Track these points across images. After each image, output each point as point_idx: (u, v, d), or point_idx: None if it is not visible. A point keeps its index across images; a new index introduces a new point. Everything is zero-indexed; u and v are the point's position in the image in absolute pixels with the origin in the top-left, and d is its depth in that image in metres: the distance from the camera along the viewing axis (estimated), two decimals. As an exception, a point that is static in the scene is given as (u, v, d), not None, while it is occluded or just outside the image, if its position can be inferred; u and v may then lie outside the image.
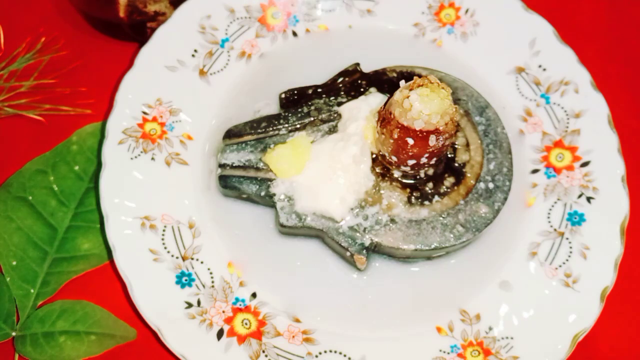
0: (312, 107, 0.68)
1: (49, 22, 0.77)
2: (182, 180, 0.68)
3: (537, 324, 0.63)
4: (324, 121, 0.67)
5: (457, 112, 0.59)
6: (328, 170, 0.64)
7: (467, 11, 0.75)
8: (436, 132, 0.57)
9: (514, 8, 0.74)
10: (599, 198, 0.68)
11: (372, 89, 0.69)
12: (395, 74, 0.70)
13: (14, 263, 0.67)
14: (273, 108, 0.71)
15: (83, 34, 0.77)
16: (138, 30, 0.75)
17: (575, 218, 0.67)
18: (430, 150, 0.59)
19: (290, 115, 0.68)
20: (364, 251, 0.63)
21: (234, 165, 0.66)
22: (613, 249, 0.65)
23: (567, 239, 0.67)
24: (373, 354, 0.63)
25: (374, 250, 0.65)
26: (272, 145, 0.67)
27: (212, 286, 0.64)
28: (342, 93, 0.69)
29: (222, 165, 0.66)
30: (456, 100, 0.68)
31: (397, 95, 0.58)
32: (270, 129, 0.67)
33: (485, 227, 0.65)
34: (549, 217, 0.68)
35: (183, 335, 0.61)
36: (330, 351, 0.63)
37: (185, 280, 0.64)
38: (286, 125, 0.67)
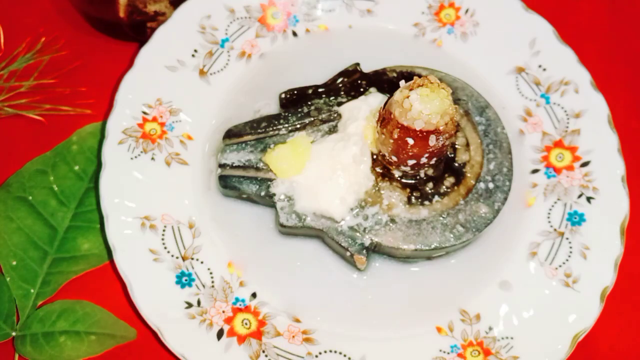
0: (312, 107, 0.68)
1: (49, 22, 0.77)
2: (182, 180, 0.68)
3: (537, 324, 0.63)
4: (324, 121, 0.67)
5: (457, 112, 0.59)
6: (328, 170, 0.64)
7: (467, 11, 0.75)
8: (436, 132, 0.57)
9: (514, 8, 0.74)
10: (599, 198, 0.68)
11: (372, 89, 0.69)
12: (395, 74, 0.70)
13: (14, 263, 0.67)
14: (273, 108, 0.71)
15: (83, 34, 0.77)
16: (138, 30, 0.75)
17: (575, 218, 0.67)
18: (430, 150, 0.59)
19: (290, 115, 0.68)
20: (364, 251, 0.63)
21: (234, 165, 0.66)
22: (613, 249, 0.65)
23: (567, 239, 0.67)
24: (373, 354, 0.63)
25: (374, 250, 0.65)
26: (272, 145, 0.67)
27: (212, 286, 0.64)
28: (342, 93, 0.69)
29: (222, 165, 0.66)
30: (456, 100, 0.68)
31: (397, 95, 0.58)
32: (270, 129, 0.67)
33: (485, 227, 0.65)
34: (549, 217, 0.68)
35: (183, 335, 0.61)
36: (330, 351, 0.63)
37: (185, 280, 0.64)
38: (286, 125, 0.67)
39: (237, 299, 0.64)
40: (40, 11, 0.78)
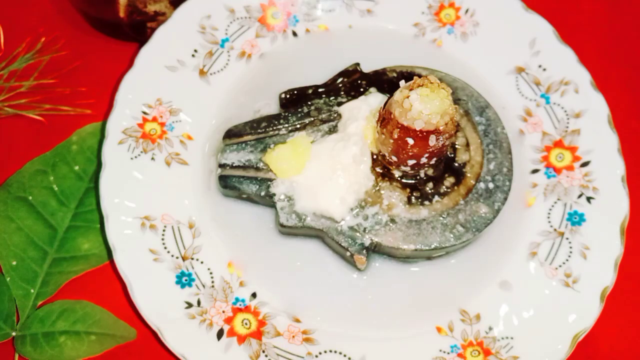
0: (312, 107, 0.68)
1: (49, 22, 0.77)
2: (182, 180, 0.68)
3: (537, 324, 0.63)
4: (324, 121, 0.67)
5: (457, 112, 0.59)
6: (328, 170, 0.64)
7: (467, 11, 0.75)
8: (436, 132, 0.57)
9: (514, 8, 0.74)
10: (599, 198, 0.68)
11: (372, 89, 0.69)
12: (395, 74, 0.70)
13: (14, 263, 0.67)
14: (273, 108, 0.71)
15: (83, 34, 0.77)
16: (138, 30, 0.75)
17: (575, 218, 0.67)
18: (430, 150, 0.59)
19: (290, 115, 0.68)
20: (364, 251, 0.63)
21: (234, 165, 0.66)
22: (613, 249, 0.65)
23: (567, 239, 0.67)
24: (373, 354, 0.63)
25: (374, 250, 0.65)
26: (272, 145, 0.67)
27: (212, 286, 0.64)
28: (342, 93, 0.69)
29: (222, 165, 0.66)
30: (456, 100, 0.68)
31: (397, 95, 0.58)
32: (270, 129, 0.67)
33: (485, 227, 0.65)
34: (549, 217, 0.68)
35: (183, 335, 0.61)
36: (330, 351, 0.63)
37: (185, 280, 0.64)
38: (286, 125, 0.67)
39: (237, 299, 0.64)
40: (40, 11, 0.78)
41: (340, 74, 0.70)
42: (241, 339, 0.62)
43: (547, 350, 0.62)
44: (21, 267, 0.67)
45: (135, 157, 0.67)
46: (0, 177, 0.70)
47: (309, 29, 0.75)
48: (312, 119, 0.67)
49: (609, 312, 0.66)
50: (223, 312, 0.63)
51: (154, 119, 0.69)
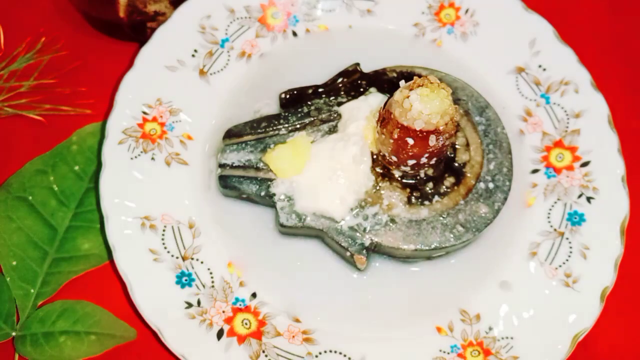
0: (312, 107, 0.68)
1: (49, 22, 0.77)
2: (182, 180, 0.68)
3: (537, 324, 0.63)
4: (324, 121, 0.67)
5: (457, 112, 0.59)
6: (328, 170, 0.64)
7: (467, 11, 0.75)
8: (436, 132, 0.57)
9: (514, 8, 0.74)
10: (599, 198, 0.68)
11: (372, 89, 0.69)
12: (395, 74, 0.70)
13: (14, 263, 0.67)
14: (273, 108, 0.71)
15: (83, 34, 0.77)
16: (138, 30, 0.75)
17: (575, 218, 0.67)
18: (430, 150, 0.59)
19: (290, 115, 0.68)
20: (364, 251, 0.63)
21: (234, 165, 0.66)
22: (613, 249, 0.65)
23: (567, 239, 0.67)
24: (373, 354, 0.63)
25: (374, 250, 0.65)
26: (272, 145, 0.67)
27: (212, 286, 0.64)
28: (342, 93, 0.69)
29: (222, 165, 0.66)
30: (456, 100, 0.68)
31: (397, 95, 0.58)
32: (270, 129, 0.67)
33: (485, 227, 0.65)
34: (549, 217, 0.68)
35: (183, 335, 0.61)
36: (330, 351, 0.63)
37: (185, 280, 0.64)
38: (286, 125, 0.67)
39: (237, 299, 0.64)
40: (40, 11, 0.78)
41: (340, 74, 0.70)
42: (241, 339, 0.62)
43: (547, 350, 0.62)
44: (21, 267, 0.67)
45: (135, 157, 0.67)
46: (0, 177, 0.70)
47: (309, 29, 0.75)
48: (312, 119, 0.67)
49: (609, 312, 0.66)
50: (223, 312, 0.63)
51: (154, 119, 0.69)
